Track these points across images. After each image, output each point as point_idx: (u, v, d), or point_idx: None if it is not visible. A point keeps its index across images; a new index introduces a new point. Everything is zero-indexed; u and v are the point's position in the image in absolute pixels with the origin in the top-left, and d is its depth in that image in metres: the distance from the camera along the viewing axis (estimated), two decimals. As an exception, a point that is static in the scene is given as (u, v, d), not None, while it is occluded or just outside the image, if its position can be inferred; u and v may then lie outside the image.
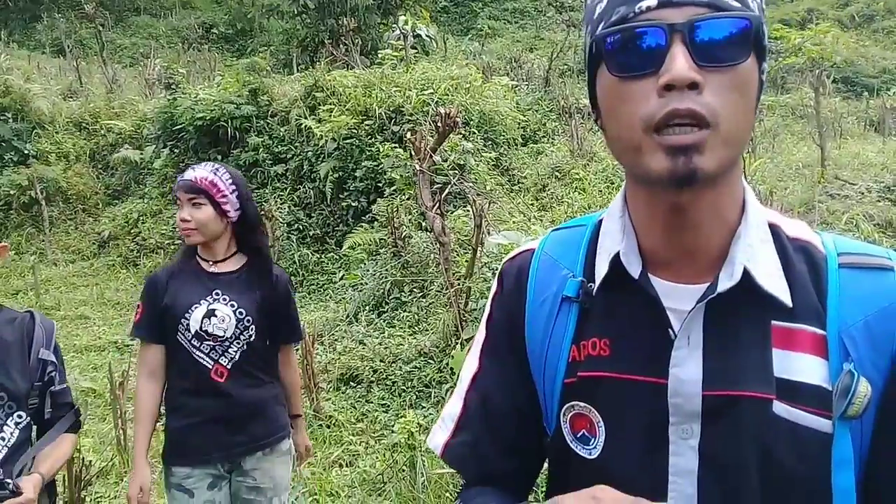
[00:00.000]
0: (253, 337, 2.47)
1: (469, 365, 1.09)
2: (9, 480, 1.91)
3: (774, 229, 0.94)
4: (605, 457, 0.95)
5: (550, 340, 1.00)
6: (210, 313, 2.42)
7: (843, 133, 9.14)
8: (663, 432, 0.90)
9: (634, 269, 0.94)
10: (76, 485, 3.24)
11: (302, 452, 2.79)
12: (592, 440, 0.96)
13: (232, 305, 2.44)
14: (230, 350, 2.43)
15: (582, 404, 0.96)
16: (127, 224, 8.91)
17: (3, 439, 2.02)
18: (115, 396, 4.27)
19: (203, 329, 2.40)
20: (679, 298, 0.91)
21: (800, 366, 0.87)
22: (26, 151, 9.94)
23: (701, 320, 0.90)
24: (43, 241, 8.87)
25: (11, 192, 9.31)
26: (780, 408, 0.86)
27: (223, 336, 2.42)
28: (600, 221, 1.02)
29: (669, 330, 0.90)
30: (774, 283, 0.89)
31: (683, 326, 0.89)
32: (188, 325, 2.40)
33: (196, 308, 2.42)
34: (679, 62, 0.81)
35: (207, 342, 2.41)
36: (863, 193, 6.83)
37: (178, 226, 2.45)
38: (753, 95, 0.86)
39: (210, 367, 2.41)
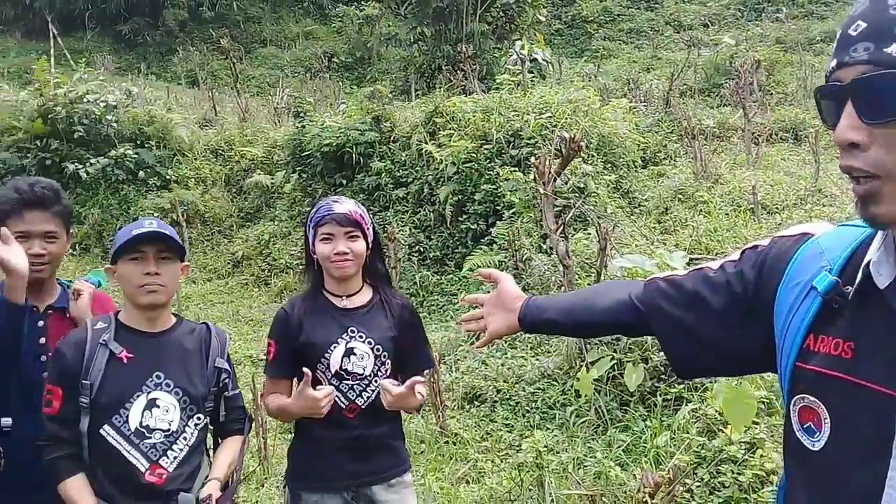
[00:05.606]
0: (389, 372, 2.49)
1: (710, 263, 1.29)
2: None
3: None
4: (826, 452, 1.00)
5: (790, 322, 1.07)
6: (349, 352, 2.43)
7: None
8: (888, 443, 0.92)
9: (882, 279, 0.96)
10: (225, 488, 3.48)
11: None
12: (817, 433, 1.01)
13: (369, 342, 2.45)
14: (369, 388, 2.44)
15: (812, 398, 1.02)
16: (259, 245, 9.43)
17: (185, 439, 2.23)
18: (256, 406, 4.53)
19: (343, 368, 2.41)
20: None
21: None
22: (168, 177, 10.71)
23: None
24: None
25: (155, 215, 10.03)
26: None
27: (362, 374, 2.43)
28: None
29: None
30: None
31: None
32: (328, 364, 2.42)
33: (335, 347, 2.43)
34: (841, 124, 0.88)
35: (347, 381, 2.42)
36: None
37: (329, 258, 2.41)
38: None
39: (344, 405, 2.43)
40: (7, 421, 2.13)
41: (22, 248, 2.18)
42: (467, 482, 4.21)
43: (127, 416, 2.17)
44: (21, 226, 2.33)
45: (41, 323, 2.43)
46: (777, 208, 7.52)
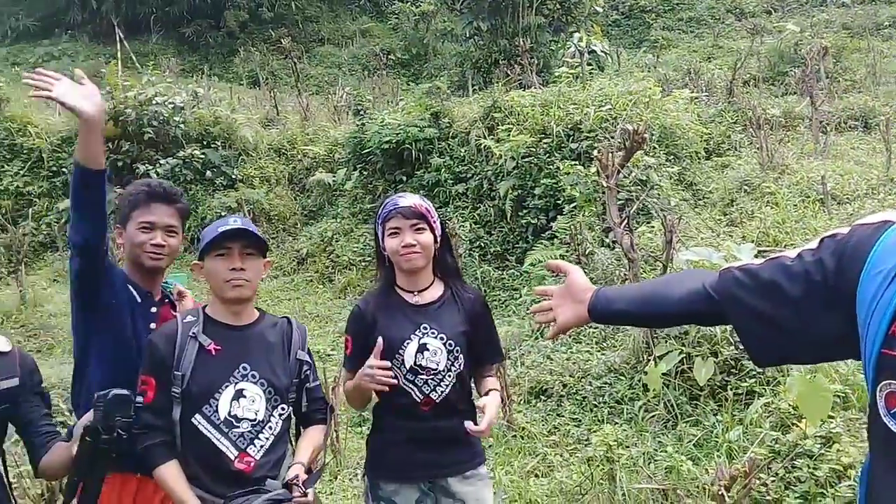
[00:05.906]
0: (462, 367, 2.53)
1: (786, 252, 1.29)
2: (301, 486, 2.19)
3: None
4: None
5: (875, 309, 1.07)
6: (422, 348, 2.48)
7: None
8: None
9: None
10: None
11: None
12: None
13: (441, 338, 2.50)
14: (443, 383, 2.50)
15: None
16: (322, 242, 9.58)
17: (271, 428, 2.32)
18: (329, 400, 4.63)
19: (417, 364, 2.47)
20: None
21: None
22: (233, 176, 10.97)
23: None
24: (249, 257, 9.74)
25: (222, 214, 10.25)
26: None
27: (436, 369, 2.48)
28: None
29: None
30: None
31: None
32: (403, 359, 2.47)
33: (408, 343, 2.48)
34: None
35: (421, 376, 2.48)
36: None
37: (397, 251, 2.47)
38: None
39: (419, 399, 2.48)
40: (140, 399, 2.27)
41: (94, 90, 2.28)
42: (536, 476, 4.24)
43: (216, 406, 2.27)
44: (147, 216, 2.50)
45: (154, 309, 2.58)
46: (847, 198, 7.32)
